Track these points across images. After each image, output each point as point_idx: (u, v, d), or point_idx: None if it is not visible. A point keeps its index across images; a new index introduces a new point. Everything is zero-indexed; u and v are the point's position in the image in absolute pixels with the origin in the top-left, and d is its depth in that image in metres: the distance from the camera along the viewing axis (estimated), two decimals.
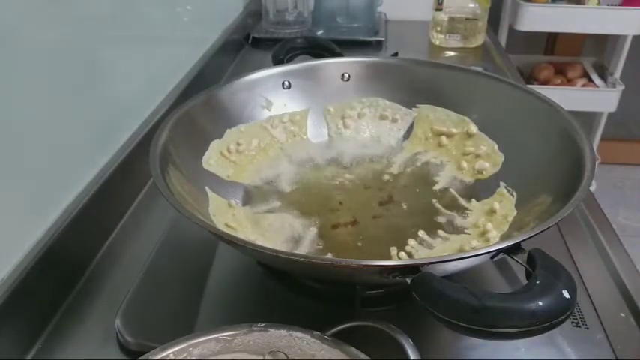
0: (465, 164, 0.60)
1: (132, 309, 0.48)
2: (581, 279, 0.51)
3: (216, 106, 0.60)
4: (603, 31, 1.66)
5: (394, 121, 0.67)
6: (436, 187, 0.59)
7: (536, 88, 0.85)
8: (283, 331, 0.37)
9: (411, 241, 0.51)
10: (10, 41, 0.46)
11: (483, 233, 0.51)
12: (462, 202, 0.56)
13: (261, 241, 0.50)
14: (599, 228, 0.58)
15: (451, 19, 1.11)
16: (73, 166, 0.56)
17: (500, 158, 0.58)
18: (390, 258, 0.49)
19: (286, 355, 0.36)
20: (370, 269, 0.38)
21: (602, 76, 1.77)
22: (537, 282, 0.34)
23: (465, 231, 0.52)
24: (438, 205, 0.56)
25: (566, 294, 0.33)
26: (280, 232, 0.53)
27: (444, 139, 0.64)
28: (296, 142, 0.65)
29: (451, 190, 0.58)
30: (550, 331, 0.33)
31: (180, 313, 0.48)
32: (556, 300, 0.33)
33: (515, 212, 0.51)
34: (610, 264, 0.53)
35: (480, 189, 0.57)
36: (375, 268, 0.38)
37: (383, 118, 0.67)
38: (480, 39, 1.14)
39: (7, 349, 0.43)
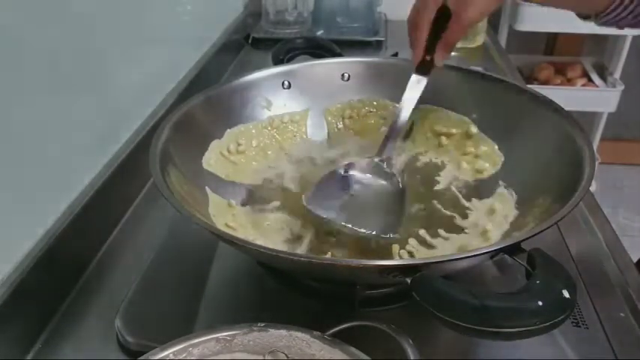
0: (465, 164, 0.60)
1: (132, 309, 0.48)
2: (581, 279, 0.51)
3: (216, 106, 0.60)
4: (603, 31, 1.65)
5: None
6: (436, 187, 0.59)
7: (536, 88, 0.85)
8: (283, 331, 0.37)
9: (412, 241, 0.51)
10: (10, 41, 0.46)
11: (483, 233, 0.51)
12: (463, 202, 0.56)
13: (261, 241, 0.50)
14: (599, 228, 0.58)
15: None
16: (73, 166, 0.56)
17: (500, 158, 0.58)
18: (390, 257, 0.49)
19: (286, 355, 0.36)
20: (370, 269, 0.38)
21: (602, 76, 1.77)
22: (537, 282, 0.34)
23: (465, 231, 0.52)
24: (438, 205, 0.56)
25: (566, 294, 0.33)
26: (280, 232, 0.53)
27: (444, 139, 0.63)
28: (296, 142, 0.65)
29: (452, 189, 0.58)
30: (550, 331, 0.33)
31: (180, 313, 0.48)
32: (556, 300, 0.33)
33: (515, 212, 0.51)
34: (610, 264, 0.53)
35: (480, 189, 0.57)
36: (375, 268, 0.38)
37: (383, 118, 0.67)
38: (479, 39, 1.14)
39: (7, 349, 0.43)
